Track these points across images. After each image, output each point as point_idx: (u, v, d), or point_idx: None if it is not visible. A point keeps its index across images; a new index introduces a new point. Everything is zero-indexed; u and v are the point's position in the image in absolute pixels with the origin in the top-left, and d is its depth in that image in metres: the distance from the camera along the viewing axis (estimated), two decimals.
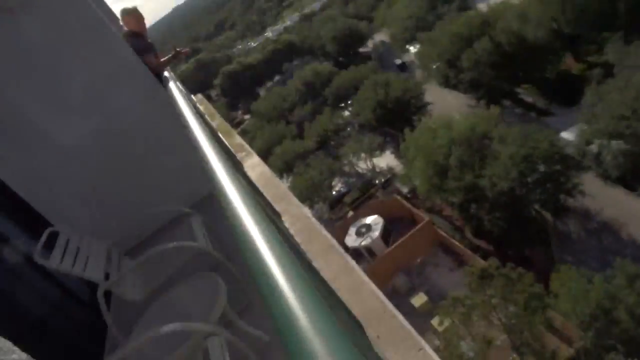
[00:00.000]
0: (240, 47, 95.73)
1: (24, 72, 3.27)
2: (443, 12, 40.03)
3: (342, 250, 3.12)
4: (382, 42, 53.26)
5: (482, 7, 37.53)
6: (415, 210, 25.43)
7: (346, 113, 40.81)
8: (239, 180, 1.27)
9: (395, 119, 32.82)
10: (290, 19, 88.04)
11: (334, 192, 31.14)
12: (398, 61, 46.49)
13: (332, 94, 42.08)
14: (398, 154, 30.87)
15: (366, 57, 50.35)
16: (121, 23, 4.62)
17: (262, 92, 61.86)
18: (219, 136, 1.78)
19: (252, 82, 61.06)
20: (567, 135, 23.74)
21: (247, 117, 56.49)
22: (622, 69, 22.95)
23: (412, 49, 42.56)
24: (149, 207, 3.23)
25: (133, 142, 3.69)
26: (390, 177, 30.58)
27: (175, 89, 3.15)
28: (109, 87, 3.54)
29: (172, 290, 2.62)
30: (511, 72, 30.60)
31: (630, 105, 19.84)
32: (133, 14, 4.50)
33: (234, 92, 59.93)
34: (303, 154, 32.78)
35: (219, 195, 1.23)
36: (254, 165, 3.60)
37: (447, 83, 34.48)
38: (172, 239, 2.77)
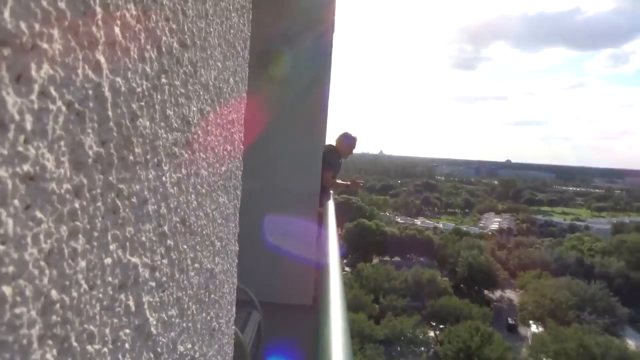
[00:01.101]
0: (388, 214, 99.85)
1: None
2: (587, 320, 37.17)
3: None
4: (510, 301, 50.77)
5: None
6: None
7: (431, 334, 38.62)
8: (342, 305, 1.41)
9: None
10: (445, 225, 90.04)
11: None
12: (511, 320, 43.47)
13: (432, 307, 40.71)
14: None
15: (485, 301, 47.97)
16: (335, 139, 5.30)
17: (375, 260, 62.36)
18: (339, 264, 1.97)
19: (372, 245, 62.14)
20: None
21: (347, 269, 56.80)
22: None
23: (534, 328, 39.67)
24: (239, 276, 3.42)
25: (275, 218, 4.14)
26: None
27: (331, 208, 3.53)
28: (282, 158, 4.16)
29: None
30: None
31: None
32: (349, 142, 5.15)
33: (353, 243, 61.35)
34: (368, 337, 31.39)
35: (321, 308, 1.38)
36: None
37: None
38: None
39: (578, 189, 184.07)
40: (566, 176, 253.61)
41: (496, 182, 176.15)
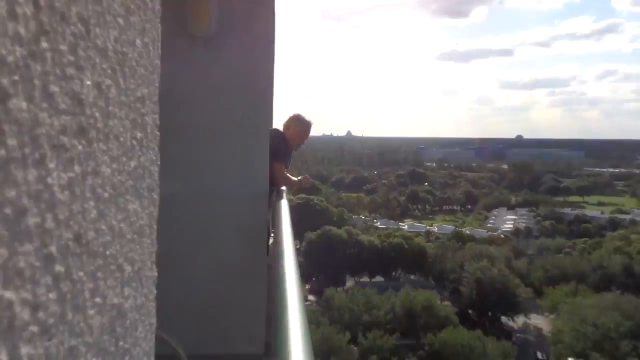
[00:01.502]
0: (363, 217, 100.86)
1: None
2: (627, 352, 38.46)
3: None
4: (538, 330, 51.97)
5: None
6: None
7: None
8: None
9: None
10: (441, 228, 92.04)
11: None
12: (541, 356, 45.81)
13: (431, 345, 41.32)
14: None
15: (504, 332, 49.11)
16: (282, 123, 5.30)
17: (349, 282, 62.88)
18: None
19: (344, 262, 62.54)
20: None
21: (311, 297, 57.01)
22: None
23: None
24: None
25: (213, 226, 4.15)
26: None
27: (285, 210, 3.53)
28: (215, 150, 4.16)
29: None
30: None
31: None
32: (302, 127, 5.16)
33: (318, 261, 61.57)
34: None
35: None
36: None
37: None
38: None
39: (617, 171, 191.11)
40: (599, 154, 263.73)
41: (506, 167, 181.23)
